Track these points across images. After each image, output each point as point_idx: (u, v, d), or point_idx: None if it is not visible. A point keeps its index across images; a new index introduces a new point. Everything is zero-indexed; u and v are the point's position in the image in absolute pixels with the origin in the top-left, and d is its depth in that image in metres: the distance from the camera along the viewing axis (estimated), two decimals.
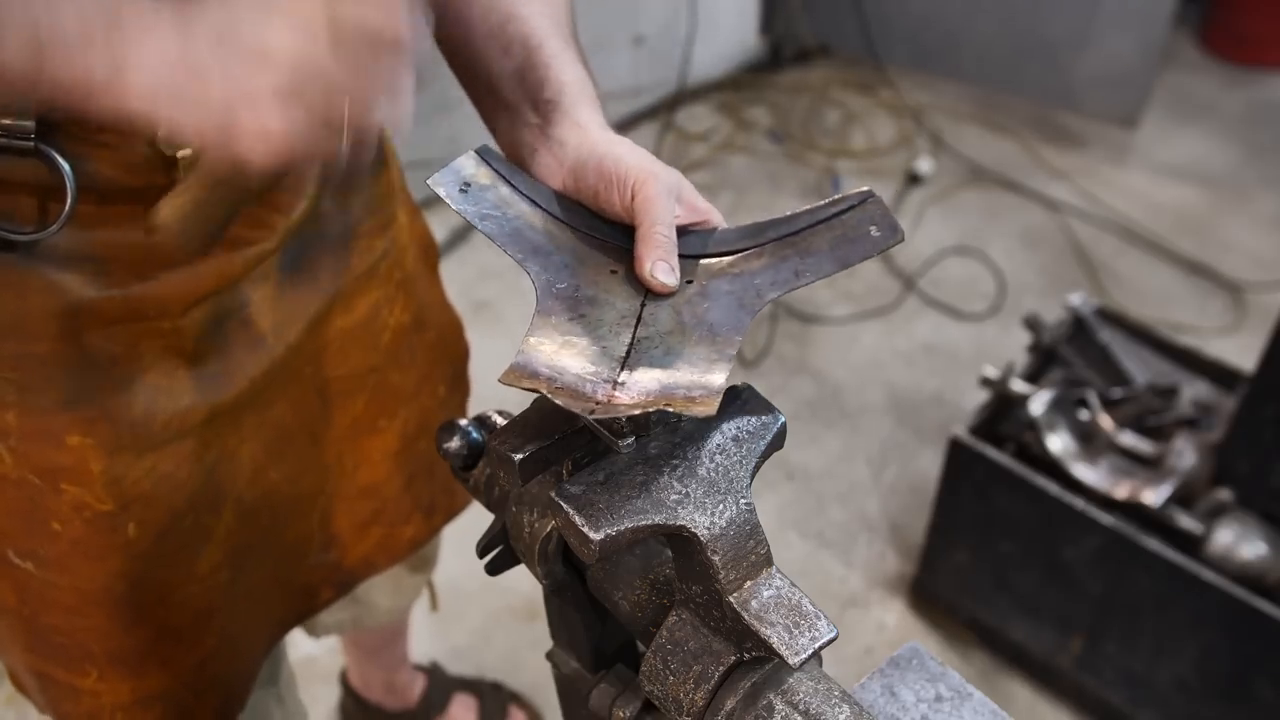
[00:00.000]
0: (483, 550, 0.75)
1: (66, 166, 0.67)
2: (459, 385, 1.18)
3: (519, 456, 0.65)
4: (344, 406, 1.00)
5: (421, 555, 1.33)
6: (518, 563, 0.74)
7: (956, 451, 1.78)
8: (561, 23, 0.80)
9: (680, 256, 0.68)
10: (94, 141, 0.68)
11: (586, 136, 0.73)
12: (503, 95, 0.78)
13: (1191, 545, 1.59)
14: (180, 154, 0.70)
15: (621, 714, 0.68)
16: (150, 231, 0.73)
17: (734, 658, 0.58)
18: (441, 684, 1.74)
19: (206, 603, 0.92)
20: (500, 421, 0.74)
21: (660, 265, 0.66)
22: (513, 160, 0.76)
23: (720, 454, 0.61)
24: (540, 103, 0.76)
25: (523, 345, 0.61)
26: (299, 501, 0.99)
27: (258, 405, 0.90)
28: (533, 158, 0.75)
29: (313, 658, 1.85)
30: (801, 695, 0.58)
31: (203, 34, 0.55)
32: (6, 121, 0.65)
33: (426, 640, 1.90)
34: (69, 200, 0.68)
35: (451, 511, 1.20)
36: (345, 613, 1.32)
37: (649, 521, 0.57)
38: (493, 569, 0.75)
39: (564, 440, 0.66)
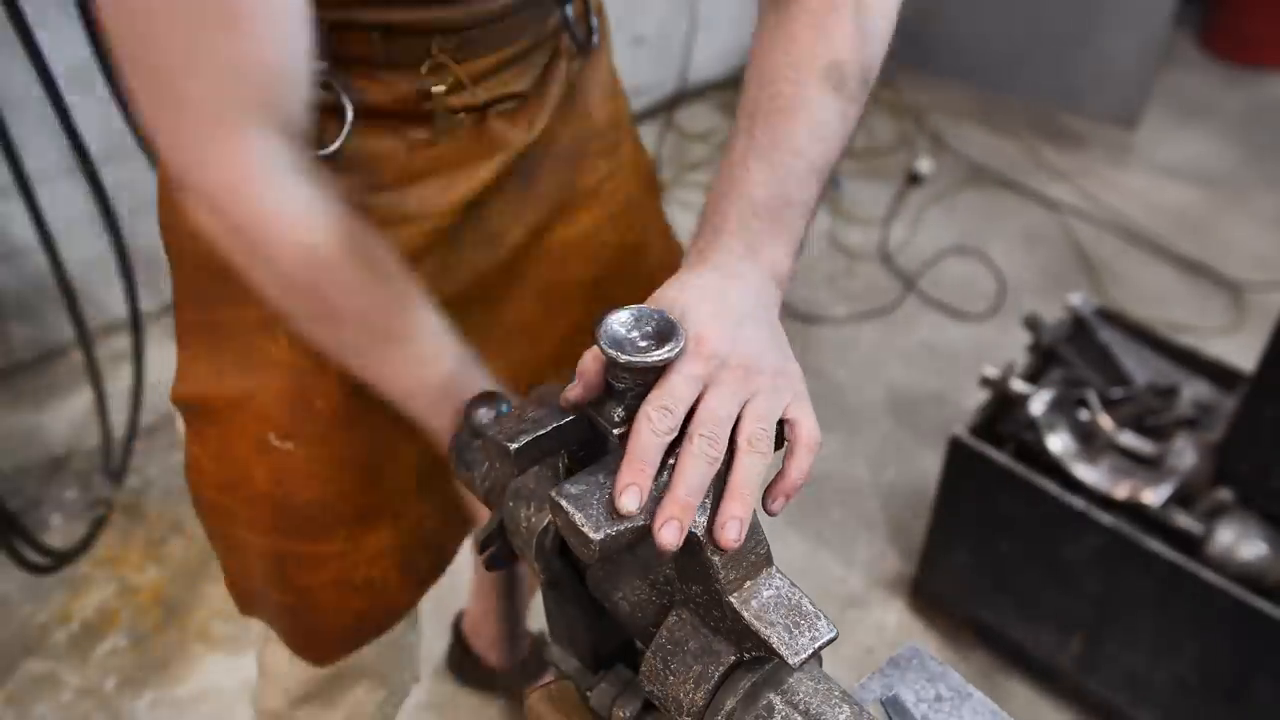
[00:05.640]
0: (482, 546, 0.75)
1: (346, 98, 0.81)
2: None
3: (514, 446, 0.65)
4: (564, 312, 1.07)
5: None
6: (516, 558, 0.74)
7: (956, 451, 1.78)
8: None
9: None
10: (373, 78, 0.82)
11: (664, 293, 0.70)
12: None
13: (1191, 545, 1.59)
14: (434, 89, 0.84)
15: (621, 714, 0.68)
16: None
17: (734, 658, 0.58)
18: (541, 654, 1.78)
19: (434, 467, 0.99)
20: None
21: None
22: None
23: None
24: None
25: None
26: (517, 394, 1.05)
27: (485, 301, 0.99)
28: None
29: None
30: (801, 695, 0.58)
31: None
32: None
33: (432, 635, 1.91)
34: (348, 122, 0.82)
35: None
36: None
37: (649, 521, 0.57)
38: (490, 564, 0.75)
39: (559, 430, 0.66)
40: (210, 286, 0.91)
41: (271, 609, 1.07)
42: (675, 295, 0.67)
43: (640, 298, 1.11)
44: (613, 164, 1.07)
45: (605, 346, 0.59)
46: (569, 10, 0.95)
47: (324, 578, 1.01)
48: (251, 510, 0.98)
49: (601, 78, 1.05)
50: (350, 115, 0.82)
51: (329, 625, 1.05)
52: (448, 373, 0.83)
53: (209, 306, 0.93)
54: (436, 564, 1.10)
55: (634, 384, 0.61)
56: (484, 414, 0.77)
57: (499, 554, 0.74)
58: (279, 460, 0.95)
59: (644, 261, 1.13)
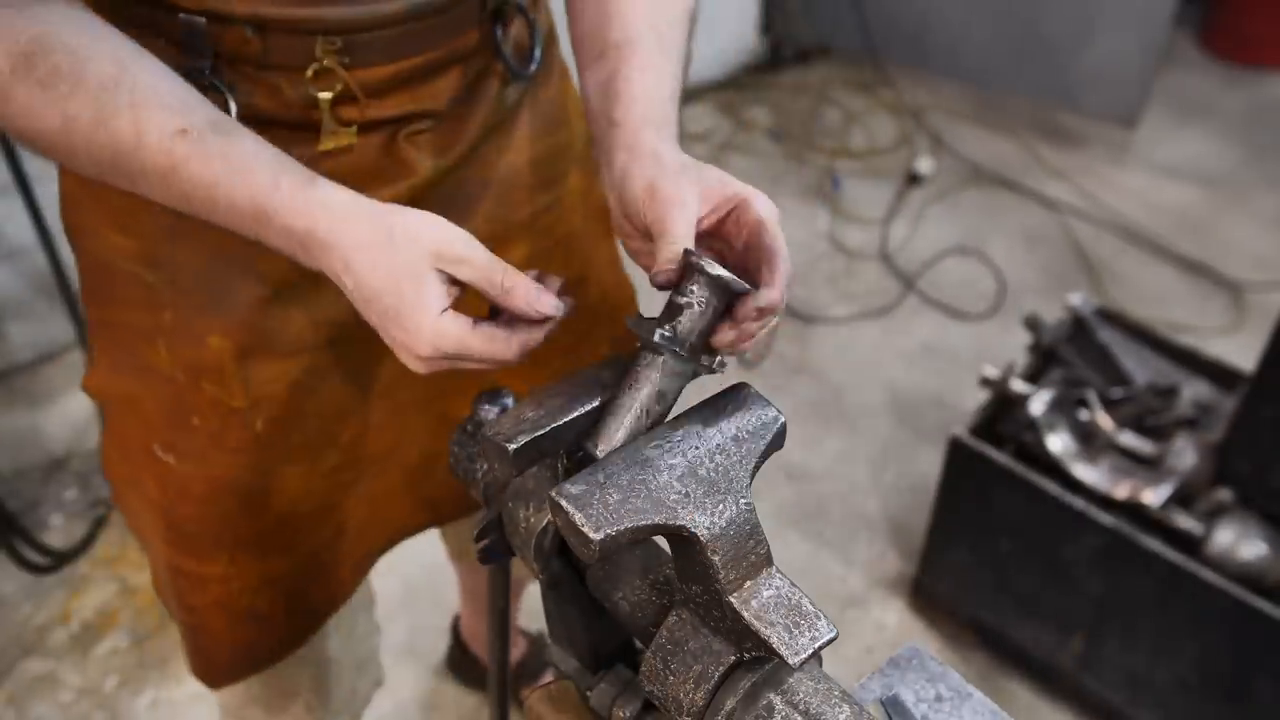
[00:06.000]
0: (478, 537, 0.75)
1: (231, 100, 0.79)
2: (623, 348, 1.19)
3: (513, 446, 0.65)
4: None
5: None
6: (511, 552, 0.74)
7: (956, 451, 1.78)
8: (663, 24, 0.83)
9: None
10: (255, 80, 0.79)
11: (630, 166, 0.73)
12: (590, 104, 0.81)
13: (1191, 545, 1.59)
14: (322, 95, 0.80)
15: (621, 714, 0.68)
16: None
17: (734, 658, 0.58)
18: (540, 654, 1.79)
19: (327, 498, 0.99)
20: None
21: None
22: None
23: (720, 454, 0.61)
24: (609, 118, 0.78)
25: None
26: (431, 421, 1.02)
27: None
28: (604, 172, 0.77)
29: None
30: (801, 695, 0.58)
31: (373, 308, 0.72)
32: (188, 63, 0.78)
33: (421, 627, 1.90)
34: None
35: None
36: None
37: (649, 521, 0.57)
38: (485, 557, 0.74)
39: (558, 431, 0.66)
40: (104, 286, 0.89)
41: (177, 622, 1.04)
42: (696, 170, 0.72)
43: (580, 331, 1.08)
44: (551, 197, 1.02)
45: (694, 256, 0.64)
46: (499, 32, 0.90)
47: (209, 599, 0.98)
48: (150, 514, 0.96)
49: (545, 107, 1.00)
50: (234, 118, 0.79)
51: (219, 650, 1.02)
52: (249, 180, 0.71)
53: (104, 305, 0.91)
54: (332, 598, 1.06)
55: (698, 300, 0.65)
56: (490, 412, 0.77)
57: (495, 546, 0.74)
58: (164, 471, 0.93)
59: (584, 294, 1.09)
